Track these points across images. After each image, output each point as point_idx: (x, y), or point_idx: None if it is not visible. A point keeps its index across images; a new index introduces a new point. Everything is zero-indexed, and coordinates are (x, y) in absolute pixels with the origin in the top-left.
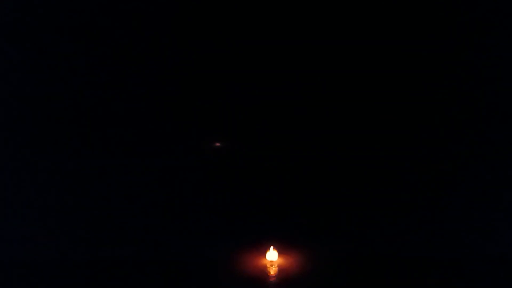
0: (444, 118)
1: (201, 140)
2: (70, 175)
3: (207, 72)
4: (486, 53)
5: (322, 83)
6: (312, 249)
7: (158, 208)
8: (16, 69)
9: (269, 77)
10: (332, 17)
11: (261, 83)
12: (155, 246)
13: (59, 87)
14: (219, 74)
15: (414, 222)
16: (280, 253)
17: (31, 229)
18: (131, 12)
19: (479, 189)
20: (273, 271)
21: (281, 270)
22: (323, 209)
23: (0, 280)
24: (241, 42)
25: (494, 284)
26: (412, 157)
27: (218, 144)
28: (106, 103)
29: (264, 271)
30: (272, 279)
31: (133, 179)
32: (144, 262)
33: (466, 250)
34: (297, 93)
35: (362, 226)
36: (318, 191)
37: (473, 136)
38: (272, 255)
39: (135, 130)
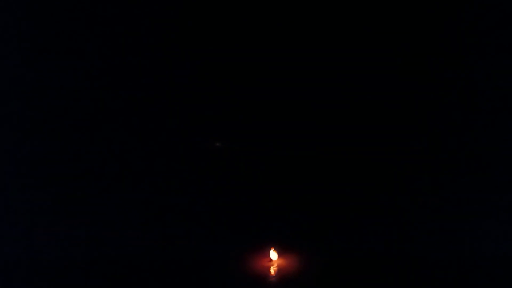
0: (444, 117)
1: (201, 140)
2: (70, 175)
3: (207, 72)
4: (485, 53)
5: (322, 83)
6: (311, 250)
7: (158, 208)
8: (17, 69)
9: (269, 77)
10: (331, 18)
11: (261, 84)
12: (155, 246)
13: (60, 87)
14: (219, 74)
15: (412, 222)
16: (280, 254)
17: (31, 229)
18: (132, 12)
19: (479, 188)
20: (273, 270)
21: (280, 269)
22: (321, 210)
23: (0, 280)
24: (241, 43)
25: (494, 284)
26: (410, 157)
27: (218, 144)
28: (107, 103)
29: (265, 270)
30: (272, 279)
31: (134, 179)
32: (145, 262)
33: (465, 250)
34: (297, 94)
35: (360, 226)
36: (317, 192)
37: (474, 136)
38: (272, 255)
39: (135, 131)
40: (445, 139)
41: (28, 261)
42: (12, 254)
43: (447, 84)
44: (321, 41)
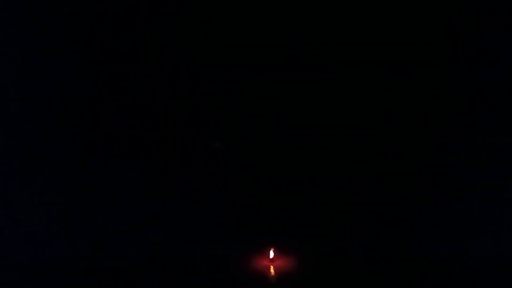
0: (443, 116)
1: (201, 140)
2: (71, 174)
3: (207, 71)
4: (485, 53)
5: (321, 82)
6: (311, 250)
7: (158, 208)
8: (17, 68)
9: (269, 77)
10: (331, 17)
11: (261, 83)
12: (155, 246)
13: (60, 86)
14: (219, 73)
15: (411, 222)
16: (279, 254)
17: (31, 228)
18: (131, 11)
19: (478, 188)
20: (273, 270)
21: (280, 270)
22: (321, 210)
23: (1, 280)
24: (241, 42)
25: (493, 284)
26: (408, 156)
27: (218, 144)
28: (106, 102)
29: (265, 270)
30: (272, 278)
31: (134, 180)
32: (144, 262)
33: (464, 249)
34: (296, 93)
35: (359, 226)
36: (315, 192)
37: (473, 135)
38: (271, 256)
39: (135, 131)
40: (444, 138)
41: (28, 261)
42: (12, 254)
43: (447, 83)
44: (322, 40)
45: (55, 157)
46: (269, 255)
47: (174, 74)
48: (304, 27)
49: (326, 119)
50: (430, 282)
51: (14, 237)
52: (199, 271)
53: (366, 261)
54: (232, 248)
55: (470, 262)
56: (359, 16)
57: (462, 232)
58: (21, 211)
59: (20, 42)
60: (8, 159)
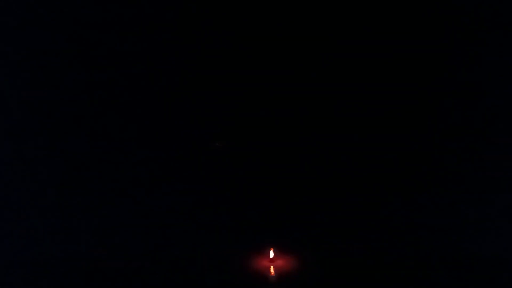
0: (442, 116)
1: (201, 140)
2: (71, 173)
3: (207, 71)
4: (485, 53)
5: (321, 82)
6: (311, 250)
7: (158, 208)
8: (15, 67)
9: (269, 76)
10: (331, 17)
11: (261, 83)
12: (155, 246)
13: (59, 85)
14: (218, 73)
15: (411, 222)
16: (279, 254)
17: (31, 227)
18: (132, 11)
19: (477, 188)
20: (273, 270)
21: (280, 270)
22: (321, 210)
23: (1, 279)
24: (241, 42)
25: (492, 284)
26: (409, 156)
27: (218, 144)
28: (106, 102)
29: (265, 270)
30: (271, 278)
31: (133, 180)
32: (144, 261)
33: (463, 250)
34: (296, 93)
35: (359, 226)
36: (315, 192)
37: (472, 135)
38: (271, 255)
39: (135, 130)
40: (444, 138)
41: (28, 261)
42: (12, 254)
43: (447, 84)
44: (321, 40)
45: (55, 157)
46: (269, 255)
47: (174, 74)
48: (304, 27)
49: (325, 119)
50: (431, 282)
51: (14, 236)
52: (199, 271)
53: (366, 261)
54: (232, 248)
55: (470, 262)
56: (359, 16)
57: (462, 232)
58: (21, 210)
59: (20, 42)
60: (7, 159)
